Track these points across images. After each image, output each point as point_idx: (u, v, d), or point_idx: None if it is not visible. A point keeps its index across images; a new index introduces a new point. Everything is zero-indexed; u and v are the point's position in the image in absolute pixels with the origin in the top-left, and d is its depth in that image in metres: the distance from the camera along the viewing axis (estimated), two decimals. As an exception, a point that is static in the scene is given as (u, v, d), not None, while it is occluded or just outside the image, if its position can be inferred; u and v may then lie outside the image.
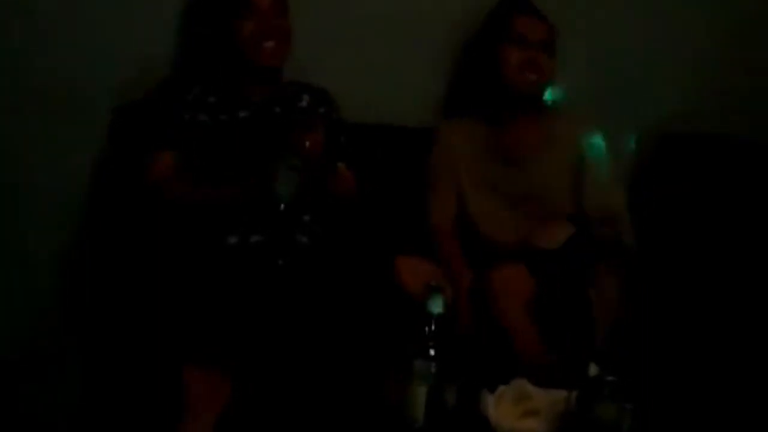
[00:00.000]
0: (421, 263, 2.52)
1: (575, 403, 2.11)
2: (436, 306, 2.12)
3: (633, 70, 3.12)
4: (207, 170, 2.49)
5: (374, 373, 2.27)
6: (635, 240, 2.72)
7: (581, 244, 2.57)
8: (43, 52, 2.61)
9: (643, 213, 3.03)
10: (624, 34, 3.10)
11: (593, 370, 2.12)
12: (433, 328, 2.10)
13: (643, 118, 3.13)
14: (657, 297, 2.80)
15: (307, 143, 2.37)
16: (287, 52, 2.58)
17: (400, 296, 2.40)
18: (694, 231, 2.94)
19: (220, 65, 2.59)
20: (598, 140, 2.72)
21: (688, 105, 3.15)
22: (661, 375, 2.55)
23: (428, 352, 2.09)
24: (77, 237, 2.69)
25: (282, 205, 2.36)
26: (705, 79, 3.16)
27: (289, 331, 2.34)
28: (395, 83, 2.91)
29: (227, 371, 2.26)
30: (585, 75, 3.01)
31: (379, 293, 2.41)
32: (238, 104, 2.56)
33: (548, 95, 2.75)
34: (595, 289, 2.59)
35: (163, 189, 2.44)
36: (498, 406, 2.18)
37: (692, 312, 2.76)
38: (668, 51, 3.13)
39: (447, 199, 2.74)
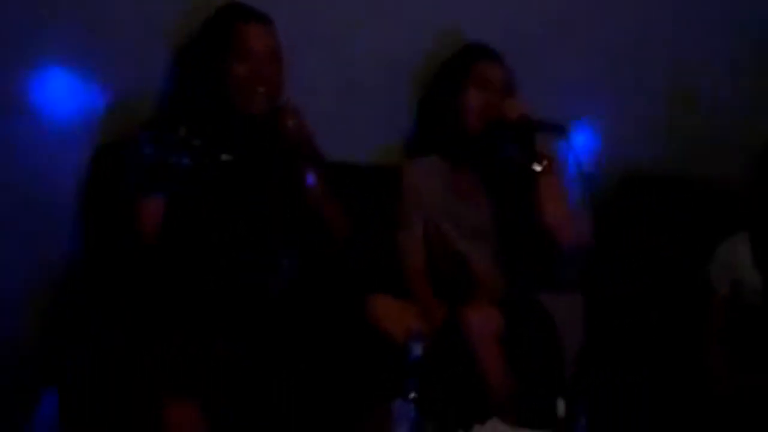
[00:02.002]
0: (395, 303, 2.59)
1: (547, 443, 2.21)
2: (416, 349, 2.21)
3: (597, 110, 3.25)
4: (192, 214, 2.53)
5: (353, 415, 2.33)
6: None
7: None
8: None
9: (604, 253, 3.17)
10: (591, 75, 3.22)
11: (561, 408, 2.22)
12: (412, 372, 2.19)
13: (607, 159, 3.25)
14: (615, 335, 2.91)
15: (290, 123, 2.49)
16: (277, 100, 2.60)
17: (376, 336, 2.47)
18: (653, 267, 3.06)
19: (207, 107, 2.60)
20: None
21: (650, 148, 3.27)
22: (625, 407, 2.65)
23: (408, 394, 2.17)
24: (61, 268, 2.73)
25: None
26: (666, 121, 3.29)
27: (267, 370, 2.39)
28: (358, 122, 2.99)
29: (207, 406, 2.29)
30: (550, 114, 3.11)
31: (355, 334, 2.46)
32: (221, 147, 2.58)
33: None
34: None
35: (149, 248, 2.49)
36: (473, 445, 2.27)
37: (651, 346, 2.87)
38: (633, 92, 3.26)
39: (417, 239, 2.81)
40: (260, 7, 2.62)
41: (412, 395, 2.16)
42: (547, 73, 3.14)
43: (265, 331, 2.47)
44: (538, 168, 2.61)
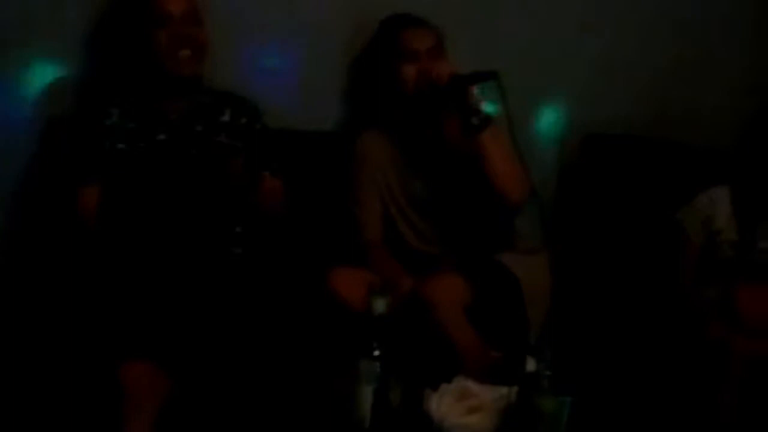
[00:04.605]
0: (355, 273, 2.56)
1: (516, 398, 2.17)
2: (379, 307, 2.16)
3: (564, 70, 3.23)
4: (130, 199, 2.48)
5: (317, 375, 2.29)
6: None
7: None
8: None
9: (568, 210, 3.15)
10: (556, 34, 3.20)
11: (531, 364, 2.18)
12: (376, 329, 2.14)
13: (570, 118, 3.24)
14: (581, 291, 2.91)
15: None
16: (204, 61, 2.57)
17: (337, 307, 2.45)
18: (615, 226, 3.05)
19: (136, 81, 2.57)
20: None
21: (616, 108, 3.24)
22: (594, 365, 2.64)
23: (373, 352, 2.13)
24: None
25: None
26: (632, 83, 3.27)
27: (227, 332, 2.34)
28: (303, 89, 2.95)
29: (164, 365, 2.26)
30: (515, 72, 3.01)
31: (315, 304, 2.45)
32: (156, 127, 2.54)
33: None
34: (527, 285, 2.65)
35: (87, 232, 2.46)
36: (441, 403, 2.22)
37: (614, 305, 2.86)
38: (602, 54, 3.25)
39: (375, 212, 2.76)
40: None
41: (377, 353, 2.12)
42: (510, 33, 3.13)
43: (224, 295, 2.42)
44: (476, 121, 2.57)
